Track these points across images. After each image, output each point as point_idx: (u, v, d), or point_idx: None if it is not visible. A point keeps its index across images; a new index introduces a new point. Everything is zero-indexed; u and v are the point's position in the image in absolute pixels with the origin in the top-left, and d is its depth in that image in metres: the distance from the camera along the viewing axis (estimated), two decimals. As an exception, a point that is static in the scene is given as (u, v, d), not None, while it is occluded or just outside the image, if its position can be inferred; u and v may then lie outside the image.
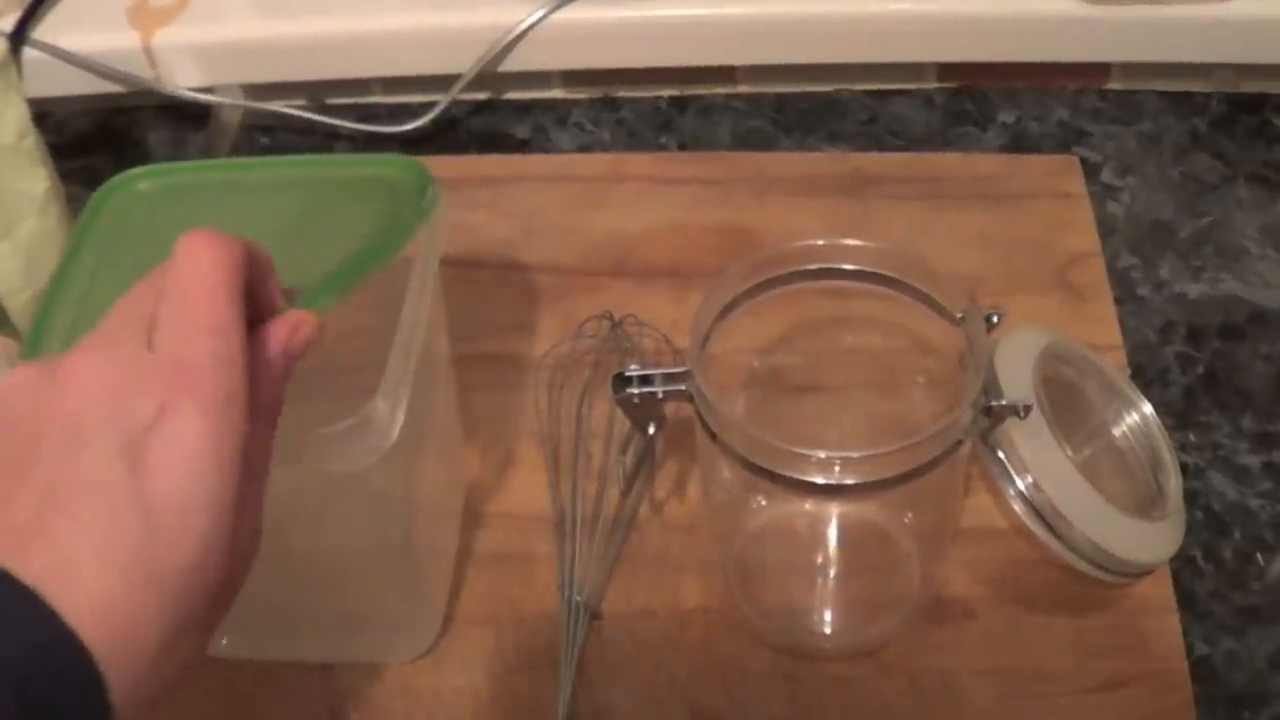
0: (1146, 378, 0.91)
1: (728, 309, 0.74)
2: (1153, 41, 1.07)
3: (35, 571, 0.47)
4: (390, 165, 0.76)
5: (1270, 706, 0.77)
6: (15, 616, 0.47)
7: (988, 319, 0.71)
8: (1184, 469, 0.86)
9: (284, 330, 0.59)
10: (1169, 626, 0.79)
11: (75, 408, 0.51)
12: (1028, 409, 0.69)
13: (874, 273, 0.74)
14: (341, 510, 0.76)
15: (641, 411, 0.73)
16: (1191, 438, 0.89)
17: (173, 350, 0.53)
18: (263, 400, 0.57)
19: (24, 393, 0.53)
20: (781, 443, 0.66)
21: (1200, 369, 0.92)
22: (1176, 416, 0.89)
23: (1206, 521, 0.85)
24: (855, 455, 0.66)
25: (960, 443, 0.68)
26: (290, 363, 0.59)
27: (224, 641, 0.82)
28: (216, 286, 0.55)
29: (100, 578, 0.48)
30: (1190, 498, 0.85)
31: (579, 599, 0.81)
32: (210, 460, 0.51)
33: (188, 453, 0.51)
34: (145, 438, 0.50)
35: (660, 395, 0.71)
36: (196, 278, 0.55)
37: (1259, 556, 0.83)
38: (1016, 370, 0.77)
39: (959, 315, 0.72)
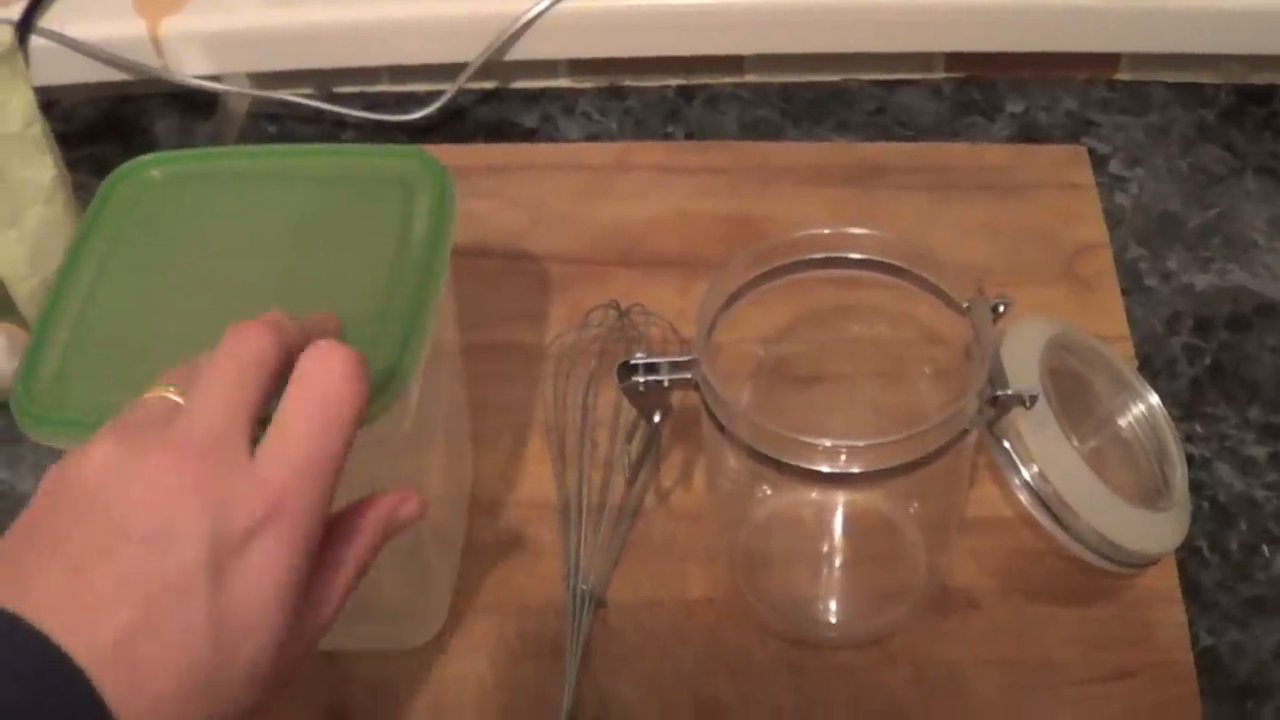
0: (1154, 368, 0.91)
1: (733, 298, 0.74)
2: (1161, 32, 1.07)
3: (97, 659, 0.48)
4: (403, 157, 0.76)
5: (1275, 698, 0.77)
6: (63, 703, 0.48)
7: (994, 309, 0.71)
8: (1190, 460, 0.86)
9: (388, 504, 0.61)
10: (1174, 617, 0.79)
11: (168, 505, 0.51)
12: (1033, 399, 0.68)
13: (880, 262, 0.74)
14: (349, 498, 0.76)
15: (647, 400, 0.73)
16: (1198, 429, 0.89)
17: (278, 476, 0.53)
18: (349, 557, 0.59)
19: (108, 472, 0.53)
20: (787, 431, 0.66)
21: (1207, 360, 0.92)
22: (1183, 407, 0.89)
23: (1212, 513, 0.85)
24: (860, 444, 0.66)
25: (966, 432, 0.68)
26: (386, 534, 0.61)
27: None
28: (338, 424, 0.55)
29: (159, 679, 0.49)
30: (1196, 489, 0.85)
31: (584, 588, 0.81)
32: (284, 591, 0.52)
33: (267, 580, 0.52)
34: (231, 553, 0.51)
35: (666, 384, 0.71)
36: (324, 404, 0.55)
37: (1265, 548, 0.83)
38: (1023, 360, 0.76)
39: (965, 305, 0.71)
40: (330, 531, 0.58)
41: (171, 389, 0.57)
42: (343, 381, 0.56)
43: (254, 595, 0.51)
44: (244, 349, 0.56)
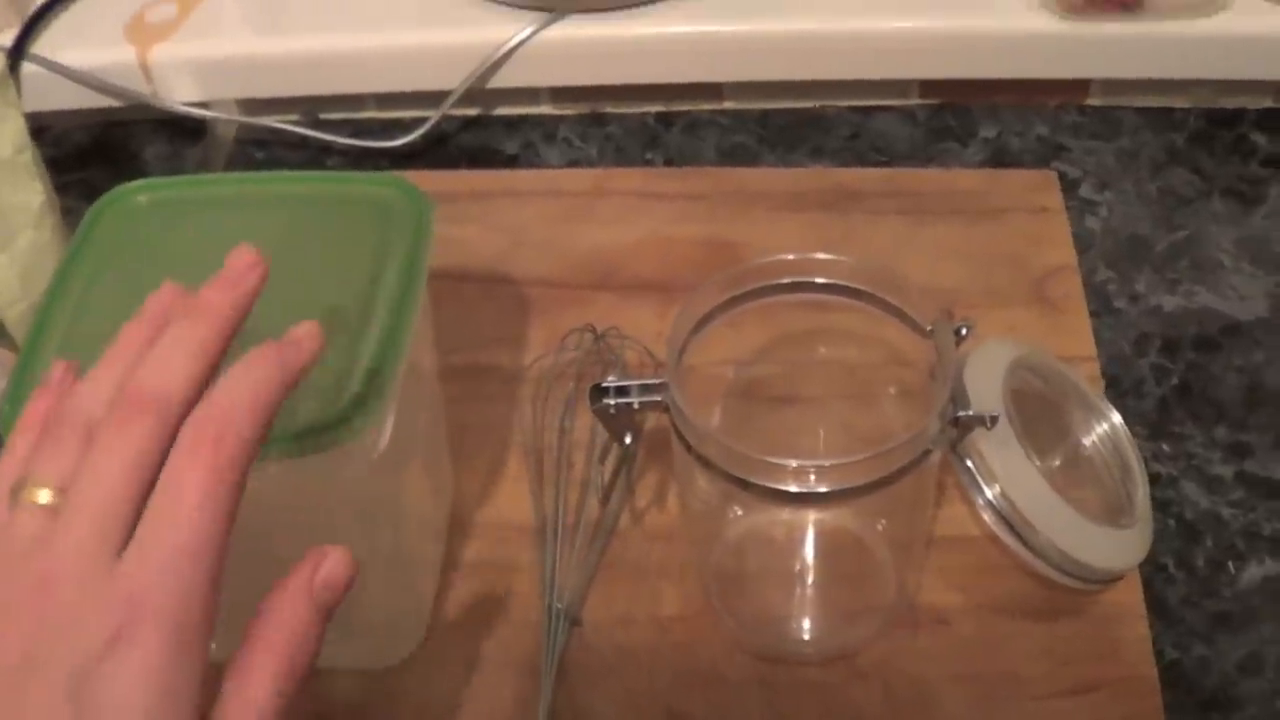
0: (1122, 389, 0.93)
1: (704, 321, 0.75)
2: (1131, 58, 1.08)
3: None
4: (384, 184, 0.78)
5: (1240, 710, 0.79)
6: None
7: (957, 331, 0.72)
8: (1157, 479, 0.87)
9: (306, 571, 0.58)
10: (1139, 633, 0.81)
11: (27, 636, 0.49)
12: (994, 419, 0.70)
13: (846, 286, 0.76)
14: (329, 518, 0.77)
15: (618, 422, 0.74)
16: (1165, 448, 0.90)
17: (140, 575, 0.50)
18: (284, 653, 0.55)
19: None
20: (755, 452, 0.68)
21: (1175, 380, 0.94)
22: (1151, 427, 0.91)
23: (1179, 530, 0.86)
24: (827, 464, 0.67)
25: (929, 452, 0.69)
26: (323, 613, 0.57)
27: (212, 647, 0.83)
28: (209, 499, 0.51)
29: None
30: (1163, 507, 0.86)
31: (560, 606, 0.83)
32: (157, 698, 0.48)
33: (134, 690, 0.48)
34: (91, 673, 0.48)
35: (636, 406, 0.73)
36: (191, 486, 0.51)
37: (1230, 564, 0.84)
38: (986, 382, 0.78)
39: (929, 328, 0.73)
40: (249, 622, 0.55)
41: (45, 492, 0.53)
42: (213, 446, 0.52)
43: (122, 710, 0.47)
44: (129, 444, 0.52)
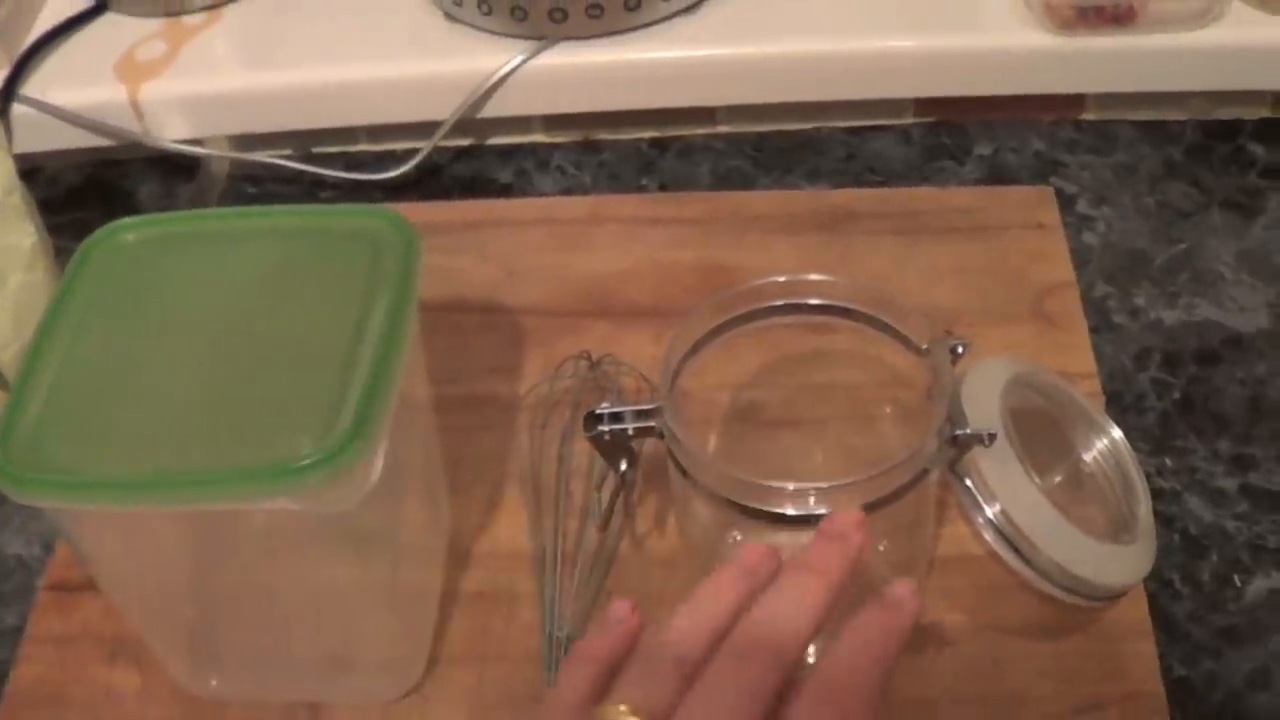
0: (1123, 404, 0.92)
1: (698, 345, 0.75)
2: (1126, 72, 1.08)
3: None
4: (373, 216, 0.77)
5: (1248, 726, 0.78)
6: None
7: (953, 350, 0.72)
8: (1161, 493, 0.87)
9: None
10: (1145, 649, 0.80)
11: None
12: (992, 437, 0.70)
13: (840, 306, 0.76)
14: (326, 551, 0.77)
15: (614, 449, 0.74)
16: (1168, 462, 0.89)
17: None
18: None
19: None
20: (752, 476, 0.67)
21: (1176, 394, 0.93)
22: (1153, 442, 0.90)
23: (1184, 545, 0.85)
24: (824, 485, 0.67)
25: (927, 471, 0.69)
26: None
27: (213, 683, 0.83)
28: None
29: None
30: (1167, 521, 0.86)
31: (561, 634, 0.82)
32: None
33: None
34: None
35: (631, 432, 0.72)
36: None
37: (1236, 578, 0.84)
38: (984, 399, 0.78)
39: (924, 347, 0.73)
40: None
41: (632, 715, 0.56)
42: (841, 708, 0.57)
43: None
44: (743, 685, 0.56)
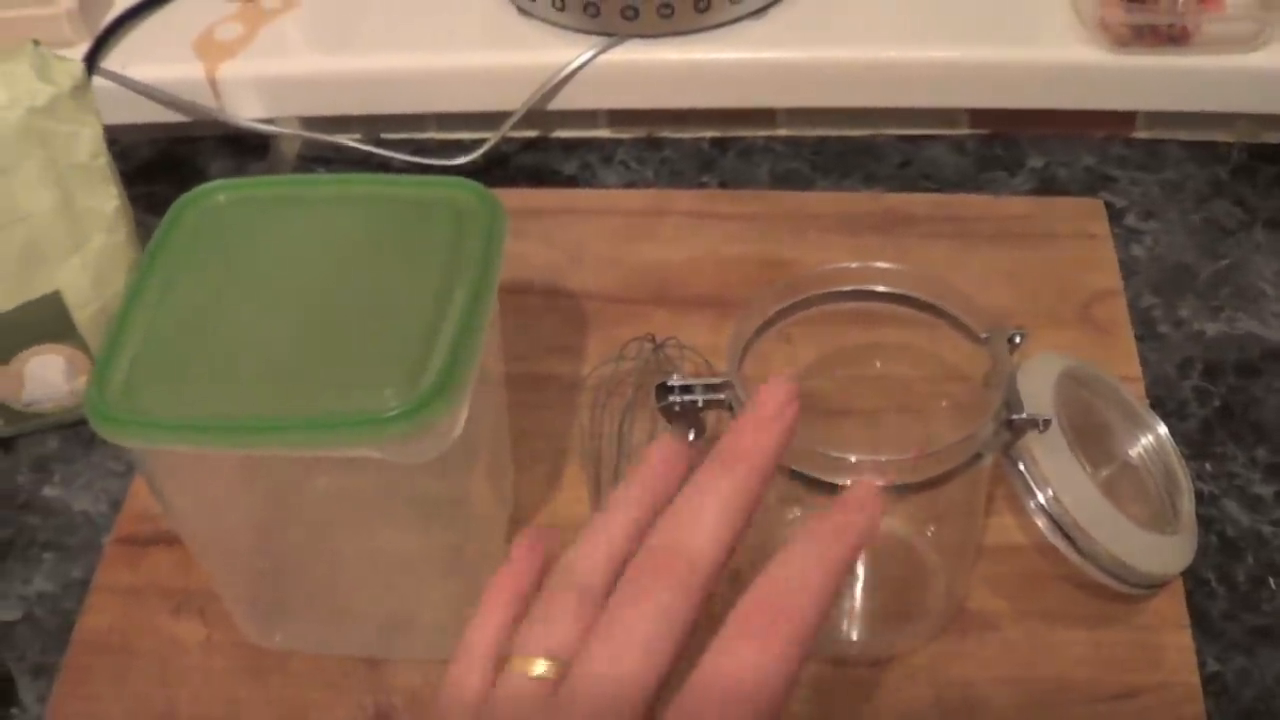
0: (1165, 410, 0.94)
1: (764, 326, 0.77)
2: (1177, 91, 1.10)
3: None
4: (458, 188, 0.80)
5: (1280, 722, 0.80)
6: None
7: (1010, 338, 0.75)
8: (1200, 497, 0.89)
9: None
10: (1182, 641, 0.82)
11: None
12: (1047, 423, 0.72)
13: (902, 294, 0.78)
14: (396, 512, 0.79)
15: (682, 420, 0.76)
16: (1208, 467, 0.92)
17: None
18: None
19: None
20: (816, 446, 0.70)
21: (1216, 403, 0.95)
22: (1193, 447, 0.92)
23: (1221, 546, 0.87)
24: (883, 459, 0.70)
25: (981, 456, 0.71)
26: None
27: (277, 636, 0.85)
28: (763, 691, 0.48)
29: None
30: (1205, 524, 0.88)
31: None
32: None
33: None
34: None
35: (700, 404, 0.75)
36: (749, 669, 0.48)
37: (1271, 580, 0.86)
38: (1037, 390, 0.80)
39: (983, 335, 0.75)
40: None
41: (541, 663, 0.50)
42: (769, 636, 0.49)
43: None
44: (648, 613, 0.49)
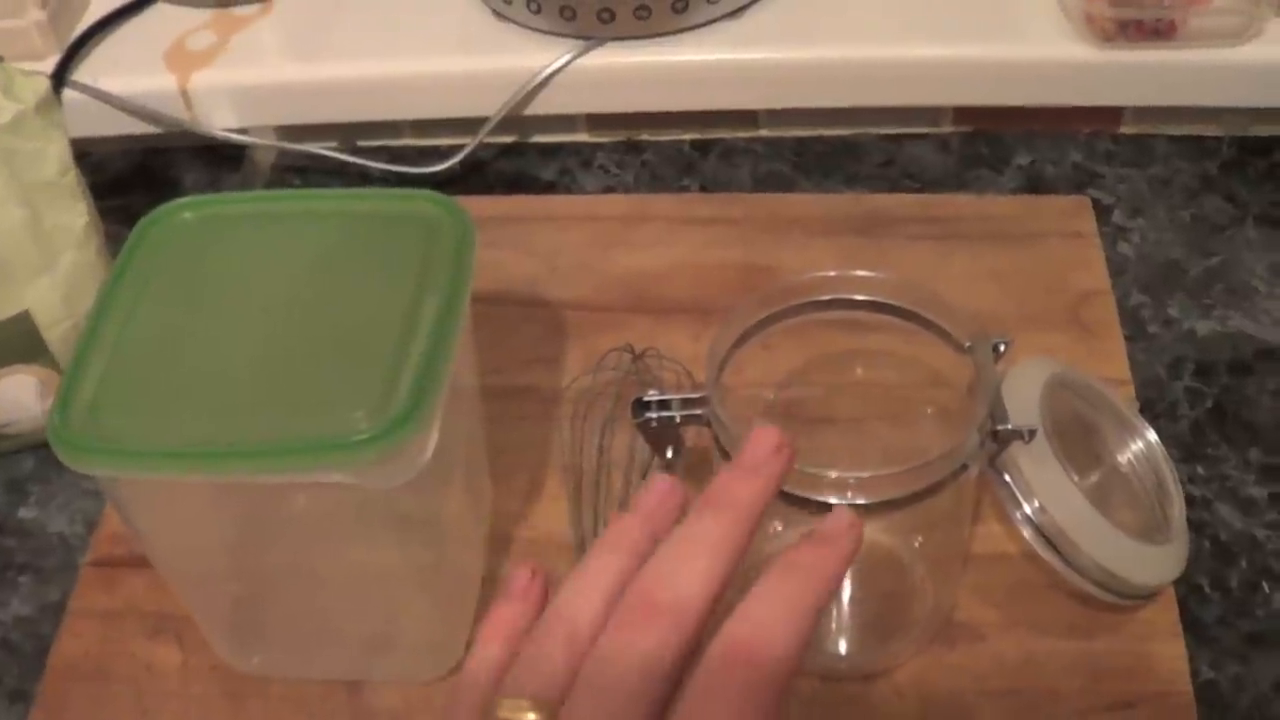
0: (1156, 411, 0.93)
1: (743, 338, 0.76)
2: (1164, 86, 1.09)
3: None
4: (427, 201, 0.78)
5: (1275, 730, 0.79)
6: None
7: (995, 347, 0.73)
8: (1192, 500, 0.87)
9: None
10: (1174, 650, 0.81)
11: None
12: (1032, 433, 0.71)
13: (884, 303, 0.77)
14: (371, 534, 0.78)
15: (660, 436, 0.75)
16: (1199, 470, 0.90)
17: None
18: None
19: None
20: (796, 464, 0.68)
21: (1209, 403, 0.94)
22: (1185, 449, 0.91)
23: (1214, 551, 0.86)
24: (866, 475, 0.68)
25: (966, 467, 0.70)
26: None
27: (255, 660, 0.84)
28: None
29: None
30: (1198, 528, 0.87)
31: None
32: None
33: None
34: None
35: (677, 420, 0.73)
36: (721, 712, 0.48)
37: (1265, 585, 0.85)
38: (1023, 399, 0.79)
39: (967, 344, 0.74)
40: None
41: (525, 706, 0.49)
42: (747, 675, 0.48)
43: None
44: (634, 658, 0.48)
